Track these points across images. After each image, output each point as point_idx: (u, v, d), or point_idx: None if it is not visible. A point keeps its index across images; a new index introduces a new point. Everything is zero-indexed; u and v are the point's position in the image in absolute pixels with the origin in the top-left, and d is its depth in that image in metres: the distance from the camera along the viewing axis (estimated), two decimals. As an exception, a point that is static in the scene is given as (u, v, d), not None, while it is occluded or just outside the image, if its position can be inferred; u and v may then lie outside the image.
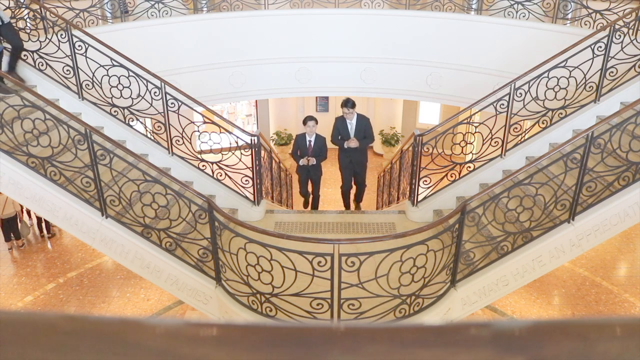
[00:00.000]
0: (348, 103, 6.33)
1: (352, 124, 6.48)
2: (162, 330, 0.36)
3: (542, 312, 7.76)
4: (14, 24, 5.51)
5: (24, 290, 8.16)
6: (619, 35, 5.13)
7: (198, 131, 5.66)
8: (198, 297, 4.37)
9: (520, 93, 5.29)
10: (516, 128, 5.54)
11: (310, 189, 7.25)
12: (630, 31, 5.28)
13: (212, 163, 5.73)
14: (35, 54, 5.47)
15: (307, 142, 6.58)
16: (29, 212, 9.62)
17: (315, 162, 6.54)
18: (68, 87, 5.63)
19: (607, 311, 7.70)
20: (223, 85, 7.67)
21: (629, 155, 4.08)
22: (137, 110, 5.61)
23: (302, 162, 6.63)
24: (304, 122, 6.60)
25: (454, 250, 3.98)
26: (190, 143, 5.73)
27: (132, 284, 8.33)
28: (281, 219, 5.91)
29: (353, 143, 6.40)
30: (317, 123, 6.56)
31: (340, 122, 6.49)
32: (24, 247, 9.26)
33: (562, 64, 5.17)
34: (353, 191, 7.24)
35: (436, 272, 3.84)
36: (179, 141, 5.67)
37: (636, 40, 5.22)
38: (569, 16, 6.87)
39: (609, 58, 5.13)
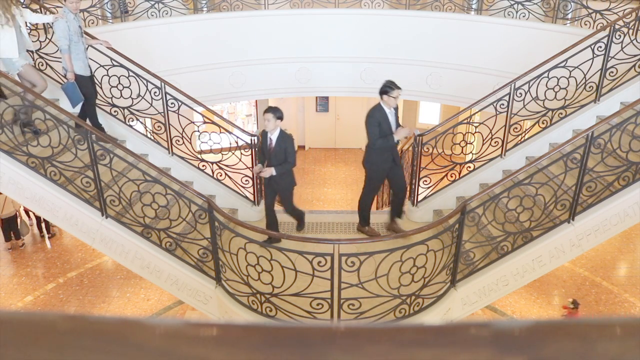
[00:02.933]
0: (394, 83, 4.93)
1: (392, 114, 5.03)
2: (162, 330, 0.36)
3: (542, 312, 7.76)
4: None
5: (24, 290, 8.17)
6: (619, 35, 5.13)
7: (198, 131, 5.66)
8: (198, 297, 4.37)
9: (520, 93, 5.29)
10: (516, 128, 5.54)
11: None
12: (630, 31, 5.28)
13: (212, 163, 5.73)
14: (35, 54, 5.47)
15: (268, 140, 4.85)
16: (27, 212, 9.62)
17: (273, 174, 4.76)
18: (68, 87, 5.62)
19: (607, 311, 7.70)
20: (223, 85, 7.67)
21: (629, 155, 4.08)
22: (137, 110, 5.61)
23: (255, 170, 5.05)
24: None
25: (454, 250, 3.98)
26: (190, 143, 5.73)
27: (132, 284, 8.33)
28: (281, 219, 5.90)
29: (405, 132, 4.98)
30: (278, 117, 4.74)
31: (380, 114, 4.94)
32: (24, 247, 9.27)
33: (562, 64, 5.17)
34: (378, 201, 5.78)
35: (436, 272, 3.84)
36: (179, 141, 5.67)
37: (636, 40, 5.21)
38: (569, 16, 6.87)
39: (609, 58, 5.13)
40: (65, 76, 5.00)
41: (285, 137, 4.83)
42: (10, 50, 4.61)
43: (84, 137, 4.13)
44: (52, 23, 4.90)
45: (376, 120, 4.92)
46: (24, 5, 5.12)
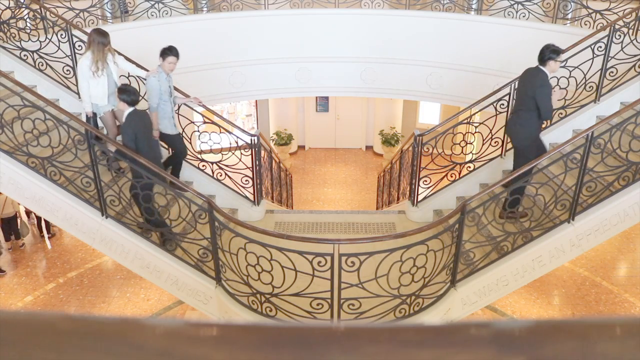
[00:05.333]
0: (557, 46, 4.40)
1: None
2: (162, 330, 0.36)
3: (542, 312, 7.76)
4: (13, 23, 5.52)
5: (24, 290, 8.17)
6: (619, 35, 5.13)
7: (198, 131, 5.66)
8: (198, 297, 4.37)
9: (520, 93, 5.28)
10: (516, 128, 5.53)
11: None
12: (630, 31, 5.28)
13: (212, 163, 5.73)
14: (35, 54, 5.47)
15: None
16: (27, 213, 9.62)
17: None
18: (68, 87, 5.62)
19: (607, 311, 7.69)
20: (223, 85, 7.67)
21: (629, 155, 4.08)
22: (137, 110, 5.61)
23: None
24: None
25: (454, 250, 3.98)
26: (190, 143, 5.73)
27: (132, 284, 8.32)
28: (281, 219, 5.91)
29: (558, 94, 4.51)
30: (122, 99, 4.35)
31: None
32: (24, 247, 9.26)
33: (562, 64, 5.16)
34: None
35: (436, 272, 3.84)
36: (179, 141, 5.67)
37: (636, 40, 5.21)
38: (569, 16, 6.87)
39: (609, 58, 5.13)
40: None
41: (128, 119, 4.36)
42: (101, 97, 4.81)
43: (84, 137, 4.13)
44: (145, 78, 4.94)
45: (551, 88, 4.33)
46: (24, 5, 5.12)
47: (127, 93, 4.39)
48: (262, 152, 5.87)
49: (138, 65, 5.32)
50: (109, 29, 6.62)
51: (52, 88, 5.54)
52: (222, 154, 5.59)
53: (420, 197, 5.67)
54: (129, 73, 5.44)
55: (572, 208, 4.16)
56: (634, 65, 5.20)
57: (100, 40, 4.67)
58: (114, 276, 8.58)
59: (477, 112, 5.78)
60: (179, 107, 5.41)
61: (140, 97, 5.12)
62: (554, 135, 5.44)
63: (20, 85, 4.34)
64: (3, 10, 5.45)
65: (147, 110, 4.93)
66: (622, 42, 5.14)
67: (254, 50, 7.60)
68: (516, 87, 4.85)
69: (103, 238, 4.37)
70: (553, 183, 4.34)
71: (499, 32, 7.01)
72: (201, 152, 6.13)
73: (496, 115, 5.25)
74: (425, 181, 5.66)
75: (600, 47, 5.11)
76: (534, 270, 4.27)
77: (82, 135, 4.16)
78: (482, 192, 4.19)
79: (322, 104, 13.98)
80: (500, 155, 5.60)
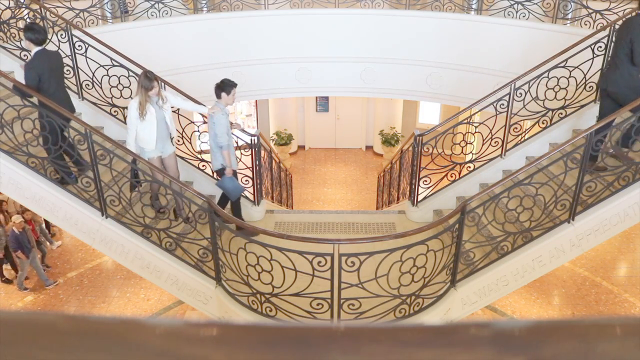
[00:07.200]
0: None
1: None
2: (162, 330, 0.36)
3: (542, 312, 7.76)
4: (13, 23, 5.52)
5: (24, 291, 8.16)
6: (619, 35, 5.12)
7: (198, 131, 5.66)
8: (198, 297, 4.37)
9: (520, 93, 5.29)
10: (516, 128, 5.54)
11: None
12: (630, 31, 5.27)
13: (212, 163, 5.71)
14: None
15: None
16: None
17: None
18: (68, 87, 5.61)
19: (607, 311, 7.70)
20: (223, 85, 7.66)
21: (629, 155, 4.07)
22: (137, 110, 5.60)
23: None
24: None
25: (454, 250, 3.98)
26: (190, 143, 5.73)
27: (132, 284, 8.32)
28: (281, 219, 5.91)
29: None
30: (27, 38, 4.40)
31: None
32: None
33: (562, 64, 5.16)
34: None
35: (436, 272, 3.84)
36: (179, 141, 5.67)
37: (636, 40, 5.20)
38: (569, 16, 6.87)
39: (609, 58, 5.13)
40: (217, 172, 4.96)
41: (34, 57, 4.34)
42: (147, 141, 4.57)
43: (84, 137, 4.13)
44: (210, 115, 4.75)
45: None
46: (24, 5, 5.09)
47: (33, 31, 4.24)
48: (262, 152, 5.87)
49: (195, 101, 5.15)
50: (108, 29, 6.68)
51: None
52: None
53: (420, 197, 5.67)
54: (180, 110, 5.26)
55: (572, 208, 4.16)
56: (634, 65, 5.19)
57: (144, 83, 4.46)
58: (114, 276, 8.58)
59: (477, 112, 5.78)
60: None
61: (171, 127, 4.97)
62: (554, 135, 5.44)
63: (20, 85, 4.33)
64: (3, 10, 5.45)
65: (220, 149, 4.79)
66: (622, 42, 5.13)
67: (254, 50, 7.60)
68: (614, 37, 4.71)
69: (103, 238, 4.37)
70: (553, 183, 4.33)
71: (499, 32, 7.01)
72: (201, 152, 6.13)
73: (496, 115, 5.25)
74: (425, 181, 5.66)
75: (600, 47, 5.11)
76: (534, 270, 4.27)
77: (82, 135, 4.16)
78: (482, 192, 4.19)
79: (322, 104, 13.98)
80: (500, 155, 5.60)
